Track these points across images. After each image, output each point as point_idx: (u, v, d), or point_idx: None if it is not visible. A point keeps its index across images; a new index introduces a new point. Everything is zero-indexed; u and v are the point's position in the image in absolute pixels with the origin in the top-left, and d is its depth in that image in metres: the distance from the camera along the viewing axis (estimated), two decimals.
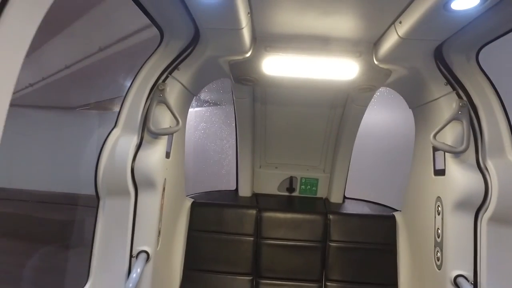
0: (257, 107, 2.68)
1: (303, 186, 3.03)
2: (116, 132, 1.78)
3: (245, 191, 2.98)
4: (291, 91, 2.53)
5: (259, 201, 2.89)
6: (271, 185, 3.05)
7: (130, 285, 1.66)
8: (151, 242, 1.87)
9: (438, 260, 1.89)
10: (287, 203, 2.97)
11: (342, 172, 2.87)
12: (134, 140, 1.78)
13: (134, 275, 1.69)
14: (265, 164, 3.06)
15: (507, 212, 1.66)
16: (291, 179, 3.02)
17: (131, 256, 1.79)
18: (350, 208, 2.88)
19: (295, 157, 3.01)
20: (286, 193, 3.05)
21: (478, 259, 1.71)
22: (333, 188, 2.92)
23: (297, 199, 3.02)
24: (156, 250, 1.92)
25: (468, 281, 1.71)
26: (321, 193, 3.03)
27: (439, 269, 1.86)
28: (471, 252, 1.73)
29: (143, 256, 1.81)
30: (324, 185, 3.02)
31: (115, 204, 1.77)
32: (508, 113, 1.72)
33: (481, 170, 1.74)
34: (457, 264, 1.76)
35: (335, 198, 2.94)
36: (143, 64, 1.82)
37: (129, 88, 1.80)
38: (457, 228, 1.78)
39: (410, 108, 2.29)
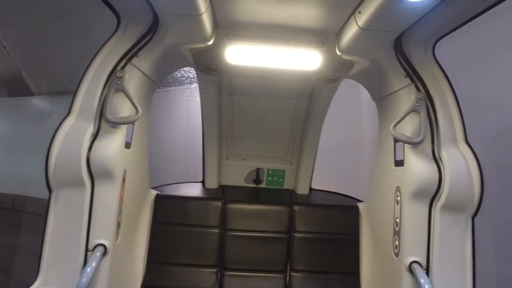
0: (223, 98, 2.64)
1: (269, 178, 3.04)
2: (69, 120, 1.69)
3: (211, 183, 2.94)
4: (257, 82, 2.51)
5: (226, 193, 2.87)
6: (238, 177, 3.03)
7: (84, 279, 1.59)
8: (109, 235, 1.80)
9: (396, 248, 1.95)
10: (254, 194, 2.97)
11: (309, 164, 2.89)
12: (90, 129, 1.70)
13: (88, 269, 1.62)
14: (231, 156, 3.04)
15: (456, 201, 1.74)
16: (257, 171, 3.01)
17: (86, 250, 1.72)
18: (316, 199, 2.92)
19: (262, 149, 3.01)
20: (253, 185, 3.04)
21: (431, 245, 1.78)
22: (299, 179, 2.95)
23: (263, 191, 3.02)
24: (115, 243, 1.85)
25: (421, 266, 1.78)
26: (287, 184, 3.05)
27: (397, 257, 1.93)
28: (425, 239, 1.80)
29: (99, 249, 1.74)
30: (291, 176, 3.03)
31: (69, 196, 1.69)
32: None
33: (436, 160, 1.80)
34: (413, 251, 1.83)
35: (302, 189, 2.97)
36: (99, 50, 1.74)
37: (83, 75, 1.71)
38: (413, 216, 1.84)
39: (373, 100, 2.33)
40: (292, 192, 3.02)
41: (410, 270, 1.80)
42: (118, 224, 1.89)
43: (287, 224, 2.56)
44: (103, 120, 1.76)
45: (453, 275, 1.76)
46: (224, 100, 2.67)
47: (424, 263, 1.80)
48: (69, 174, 1.66)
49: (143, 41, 1.78)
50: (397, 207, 1.95)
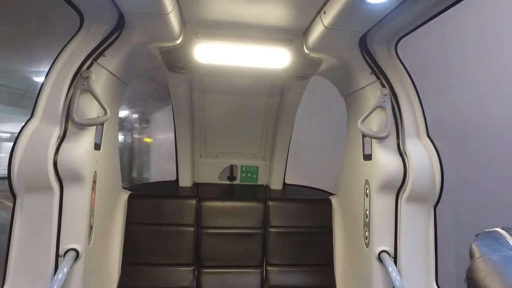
0: (195, 96, 2.63)
1: (243, 174, 3.06)
2: (33, 123, 1.63)
3: (185, 181, 2.93)
4: (228, 80, 2.52)
5: (200, 190, 2.87)
6: (212, 174, 3.04)
7: (55, 286, 1.55)
8: (81, 239, 1.76)
9: (366, 239, 2.04)
10: (228, 191, 2.98)
11: (282, 159, 2.94)
12: (56, 131, 1.64)
13: (60, 275, 1.58)
14: (205, 153, 3.03)
15: (420, 192, 1.84)
16: (231, 168, 3.03)
17: (57, 255, 1.67)
18: (290, 193, 2.98)
19: (235, 146, 3.02)
20: (227, 182, 3.06)
21: (398, 235, 1.87)
22: (273, 175, 2.99)
23: (238, 187, 3.04)
24: (87, 247, 1.81)
25: (390, 255, 1.88)
26: (261, 180, 3.09)
27: (367, 247, 2.02)
28: (393, 230, 1.90)
29: (71, 254, 1.70)
30: (265, 172, 3.07)
31: (36, 201, 1.63)
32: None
33: (401, 154, 1.90)
34: (381, 241, 1.92)
35: (275, 184, 3.01)
36: (62, 49, 1.68)
37: (46, 75, 1.65)
38: (381, 208, 1.93)
39: (341, 96, 2.40)
40: (266, 188, 3.06)
41: (380, 259, 1.90)
42: (91, 227, 1.85)
43: (262, 220, 2.60)
44: (70, 122, 1.71)
45: (419, 261, 1.86)
46: (195, 98, 2.65)
47: (392, 252, 1.90)
48: (35, 179, 1.60)
49: (109, 40, 1.74)
50: (367, 199, 2.03)
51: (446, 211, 2.39)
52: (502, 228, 0.84)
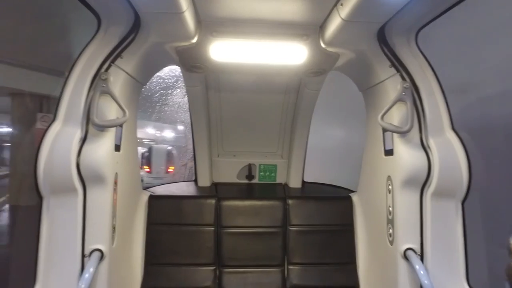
0: (211, 95, 2.63)
1: (262, 173, 3.05)
2: (56, 126, 1.67)
3: (204, 181, 2.94)
4: (244, 78, 2.51)
5: (219, 190, 2.87)
6: (230, 174, 3.03)
7: (83, 286, 1.58)
8: (105, 239, 1.79)
9: (390, 236, 1.98)
10: (247, 190, 2.97)
11: (300, 157, 2.91)
12: (78, 133, 1.68)
13: (86, 275, 1.61)
14: (223, 153, 3.03)
15: (446, 187, 1.77)
16: (249, 167, 3.02)
17: (83, 256, 1.71)
18: (309, 192, 2.94)
19: (253, 144, 3.01)
20: (246, 181, 3.05)
21: (424, 232, 1.81)
22: (291, 173, 2.96)
23: (256, 186, 3.03)
24: (111, 247, 1.84)
25: (416, 253, 1.82)
26: (280, 178, 3.06)
27: (391, 245, 1.96)
28: (418, 226, 1.83)
29: (96, 254, 1.73)
30: (283, 170, 3.04)
31: (61, 202, 1.67)
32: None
33: (425, 148, 1.83)
34: (406, 238, 1.86)
35: (294, 183, 2.98)
36: (80, 53, 1.71)
37: (66, 79, 1.68)
38: (405, 204, 1.87)
39: (360, 90, 2.35)
40: (285, 186, 3.03)
41: (405, 257, 1.84)
42: (113, 228, 1.88)
43: (282, 218, 2.57)
44: (90, 124, 1.74)
45: (447, 259, 1.79)
46: (212, 98, 2.66)
47: (418, 249, 1.83)
48: (59, 181, 1.64)
49: (126, 42, 1.76)
50: (389, 195, 1.97)
51: (476, 207, 2.29)
52: None
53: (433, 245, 1.78)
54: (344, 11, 1.52)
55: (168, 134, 22.35)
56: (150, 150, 17.56)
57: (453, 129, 1.81)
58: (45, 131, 1.63)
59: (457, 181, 1.77)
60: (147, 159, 16.76)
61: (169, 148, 16.55)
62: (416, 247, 1.83)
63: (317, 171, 3.28)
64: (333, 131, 5.05)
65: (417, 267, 1.72)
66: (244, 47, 1.92)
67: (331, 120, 4.71)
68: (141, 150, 18.90)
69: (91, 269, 1.63)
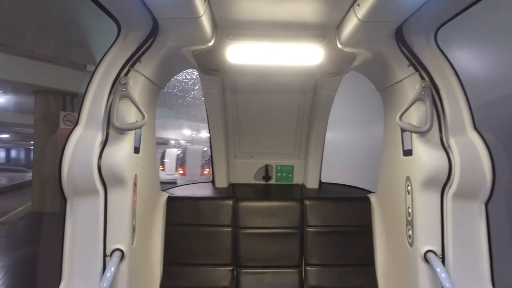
0: (227, 97, 2.65)
1: (279, 174, 3.05)
2: (78, 130, 1.72)
3: (221, 182, 2.97)
4: (261, 79, 2.52)
5: (236, 191, 2.89)
6: (247, 175, 3.05)
7: (105, 284, 1.63)
8: (125, 239, 1.84)
9: (409, 238, 1.95)
10: (264, 191, 2.98)
11: (317, 158, 2.89)
12: (99, 137, 1.73)
13: (108, 274, 1.66)
14: (239, 154, 3.05)
15: (468, 187, 1.72)
16: (266, 168, 3.03)
17: (104, 255, 1.76)
18: (326, 192, 2.92)
19: (269, 145, 3.02)
20: (263, 182, 3.06)
21: (445, 234, 1.77)
22: (308, 174, 2.95)
23: (273, 187, 3.04)
24: (131, 247, 1.89)
25: (436, 255, 1.77)
26: (297, 179, 3.06)
27: (411, 246, 1.92)
28: (439, 228, 1.79)
29: (117, 254, 1.78)
30: (300, 171, 3.04)
31: (84, 204, 1.72)
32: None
33: (445, 148, 1.79)
34: (427, 240, 1.82)
35: (311, 183, 2.97)
36: (102, 58, 1.76)
37: (88, 84, 1.73)
38: (425, 205, 1.83)
39: (377, 90, 2.31)
40: (302, 187, 3.02)
41: (426, 259, 1.80)
42: (133, 228, 1.92)
43: (299, 219, 2.57)
44: (111, 127, 1.79)
45: (470, 263, 1.74)
46: (228, 99, 2.68)
47: (439, 252, 1.79)
48: (82, 183, 1.69)
49: (145, 47, 1.80)
50: (408, 196, 1.94)
51: (501, 208, 2.21)
52: None
53: (455, 248, 1.73)
54: (361, 12, 1.51)
55: (205, 134, 22.10)
56: (184, 151, 17.00)
57: (475, 128, 1.76)
58: (68, 135, 1.69)
59: (480, 182, 1.71)
60: (181, 161, 16.18)
61: (206, 148, 15.78)
62: (437, 249, 1.79)
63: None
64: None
65: (438, 270, 1.68)
66: (260, 49, 1.93)
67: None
68: (176, 151, 18.31)
69: (112, 268, 1.68)
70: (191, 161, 15.27)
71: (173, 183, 10.19)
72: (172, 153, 18.09)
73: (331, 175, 3.18)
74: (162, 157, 17.76)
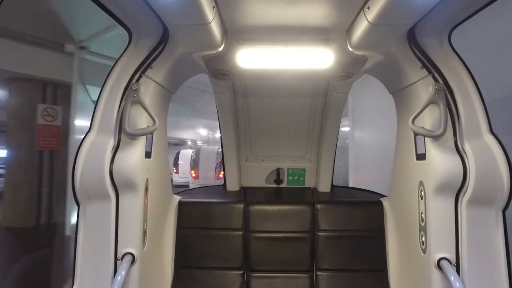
0: (239, 100, 2.66)
1: (290, 177, 3.03)
2: (91, 135, 1.76)
3: (232, 186, 2.97)
4: (272, 83, 2.51)
5: (247, 194, 2.89)
6: (259, 178, 3.04)
7: (116, 287, 1.66)
8: (136, 243, 1.86)
9: (423, 244, 1.90)
10: (275, 195, 2.97)
11: (329, 161, 2.87)
12: (111, 142, 1.76)
13: (118, 277, 1.68)
14: (251, 157, 3.05)
15: (484, 194, 1.67)
16: (278, 171, 3.01)
17: (116, 259, 1.79)
18: (338, 196, 2.89)
19: (281, 149, 3.00)
20: (274, 185, 3.05)
21: (459, 241, 1.72)
22: (320, 177, 2.92)
23: (285, 190, 3.02)
24: (142, 251, 1.91)
25: (451, 263, 1.73)
26: (309, 183, 3.03)
27: (424, 253, 1.88)
28: (453, 235, 1.74)
29: (128, 258, 1.80)
30: (312, 175, 3.01)
31: (96, 208, 1.76)
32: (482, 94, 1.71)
33: (460, 153, 1.74)
34: (440, 247, 1.77)
35: (323, 187, 2.94)
36: (114, 65, 1.79)
37: (101, 91, 1.77)
38: (439, 211, 1.79)
39: (390, 93, 2.28)
40: (314, 190, 3.00)
41: (439, 267, 1.75)
42: (144, 232, 1.95)
43: (310, 223, 2.55)
44: (123, 133, 1.82)
45: (485, 271, 1.69)
46: (240, 103, 2.69)
47: (453, 259, 1.74)
48: (94, 187, 1.73)
49: (156, 53, 1.82)
50: (422, 202, 1.90)
51: None
52: None
53: (470, 256, 1.68)
54: (371, 15, 1.49)
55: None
56: (197, 152, 15.19)
57: (492, 132, 1.71)
58: (82, 141, 1.73)
59: (497, 188, 1.66)
60: (194, 163, 14.59)
61: (221, 149, 14.30)
62: (451, 256, 1.74)
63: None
64: None
65: (452, 278, 1.63)
66: (270, 54, 1.93)
67: None
68: (191, 152, 16.71)
69: (123, 272, 1.70)
70: (204, 163, 13.86)
71: (186, 187, 9.74)
72: (186, 154, 17.20)
73: (361, 179, 3.11)
74: (176, 158, 16.97)
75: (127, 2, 1.51)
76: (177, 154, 17.46)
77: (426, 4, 1.37)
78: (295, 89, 2.60)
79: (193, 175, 14.24)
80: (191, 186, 12.79)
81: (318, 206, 2.58)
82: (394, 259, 2.39)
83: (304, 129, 2.88)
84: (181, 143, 25.22)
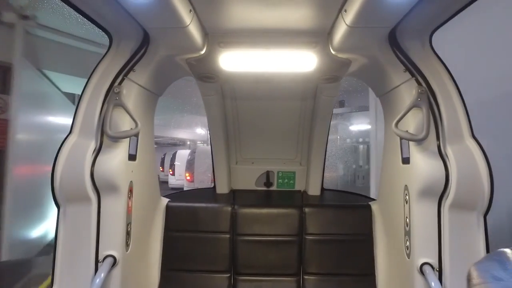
0: (227, 103, 2.65)
1: (280, 180, 3.02)
2: (72, 138, 1.76)
3: (222, 188, 2.96)
4: (259, 86, 2.50)
5: (237, 197, 2.88)
6: (249, 181, 3.03)
7: None
8: (118, 245, 1.86)
9: (407, 249, 1.89)
10: (265, 198, 2.96)
11: (319, 164, 2.85)
12: (92, 144, 1.76)
13: (97, 280, 1.68)
14: (241, 160, 3.04)
15: (465, 198, 1.65)
16: (268, 174, 3.00)
17: (97, 261, 1.78)
18: (327, 199, 2.87)
19: (271, 151, 2.99)
20: (264, 188, 3.03)
21: (442, 246, 1.70)
22: (310, 180, 2.91)
23: (274, 193, 3.00)
24: (125, 253, 1.91)
25: (433, 268, 1.71)
26: (299, 186, 3.02)
27: (409, 258, 1.86)
28: (436, 240, 1.73)
29: (109, 260, 1.80)
30: (302, 178, 3.00)
31: (76, 210, 1.76)
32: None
33: (442, 157, 1.72)
34: (423, 252, 1.76)
35: (313, 190, 2.92)
36: (95, 69, 1.79)
37: (82, 94, 1.77)
38: (422, 216, 1.77)
39: (377, 96, 2.26)
40: (303, 194, 2.98)
41: (421, 271, 1.74)
42: (128, 235, 1.94)
43: (298, 227, 2.53)
44: (105, 135, 1.82)
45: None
46: (228, 106, 2.68)
47: (436, 264, 1.72)
48: (74, 189, 1.73)
49: (137, 56, 1.82)
50: (406, 206, 1.88)
51: (502, 219, 2.11)
52: None
53: (452, 261, 1.66)
54: (348, 18, 1.48)
55: None
56: (193, 152, 14.07)
57: (473, 136, 1.69)
58: (62, 143, 1.73)
59: (478, 193, 1.64)
60: (189, 164, 13.57)
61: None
62: (434, 262, 1.72)
63: None
64: None
65: (432, 284, 1.61)
66: (253, 57, 1.92)
67: None
68: (187, 153, 15.72)
69: (102, 274, 1.70)
70: (201, 165, 12.48)
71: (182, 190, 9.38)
72: (183, 155, 16.27)
73: None
74: (173, 159, 16.10)
75: (104, 6, 1.51)
76: (174, 155, 16.44)
77: (403, 6, 1.36)
78: (284, 92, 2.59)
79: (188, 178, 12.99)
80: (186, 189, 11.69)
81: (306, 209, 2.56)
82: (381, 263, 2.37)
83: (294, 132, 2.87)
84: (180, 144, 24.33)
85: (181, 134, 20.70)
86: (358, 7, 1.35)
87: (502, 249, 0.72)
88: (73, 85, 6.49)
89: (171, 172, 15.68)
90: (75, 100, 7.46)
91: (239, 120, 2.81)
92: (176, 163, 15.98)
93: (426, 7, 1.44)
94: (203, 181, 12.08)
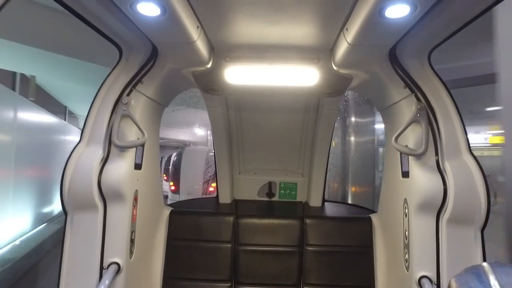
0: (231, 115, 2.71)
1: (282, 191, 3.06)
2: (81, 147, 1.82)
3: (224, 198, 3.00)
4: (263, 98, 2.57)
5: (239, 207, 2.92)
6: (251, 191, 3.07)
7: None
8: (122, 253, 1.90)
9: (406, 262, 1.91)
10: (267, 208, 2.99)
11: (320, 176, 2.89)
12: (100, 154, 1.81)
13: (102, 286, 1.72)
14: (244, 170, 3.09)
15: (463, 213, 1.68)
16: (270, 185, 3.04)
17: (101, 268, 1.82)
18: (329, 211, 2.90)
19: (273, 162, 3.04)
20: (266, 199, 3.07)
21: (440, 260, 1.73)
22: (312, 192, 2.94)
23: (276, 204, 3.04)
24: (128, 260, 1.94)
25: (431, 282, 1.73)
26: (300, 197, 3.05)
27: (407, 271, 1.88)
28: (434, 253, 1.75)
29: (113, 267, 1.84)
30: (303, 189, 3.03)
31: (83, 218, 1.80)
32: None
33: (441, 172, 1.76)
34: (422, 265, 1.78)
35: (314, 201, 2.96)
36: (104, 80, 1.86)
37: (92, 104, 1.84)
38: (420, 229, 1.80)
39: (378, 110, 2.31)
40: (305, 205, 3.01)
41: (420, 285, 1.76)
42: (132, 242, 1.98)
43: (299, 238, 2.56)
44: (112, 145, 1.88)
45: None
46: (232, 117, 2.74)
47: (434, 278, 1.75)
48: (82, 197, 1.78)
49: (145, 69, 1.89)
50: (406, 219, 1.91)
51: (499, 235, 2.12)
52: (489, 264, 0.75)
53: (450, 274, 1.68)
54: (349, 36, 1.54)
55: None
56: (179, 154, 10.37)
57: (471, 152, 1.73)
58: (71, 152, 1.79)
59: (475, 208, 1.67)
60: (174, 169, 10.07)
61: (212, 153, 7.25)
62: (432, 275, 1.75)
63: None
64: None
65: None
66: (257, 71, 1.99)
67: None
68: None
69: (107, 281, 1.73)
70: (189, 171, 9.35)
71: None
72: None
73: None
74: (167, 163, 12.69)
75: (115, 22, 1.58)
76: (169, 158, 13.35)
77: (402, 26, 1.41)
78: (287, 105, 2.64)
79: (172, 187, 9.79)
80: (169, 201, 7.63)
81: (307, 220, 2.59)
82: (381, 276, 2.38)
83: (296, 144, 2.92)
84: (182, 147, 22.66)
85: (181, 135, 18.63)
86: (359, 26, 1.41)
87: (480, 264, 0.77)
88: None
89: (165, 178, 12.17)
90: (16, 80, 6.62)
91: (243, 131, 2.86)
92: (170, 167, 11.90)
93: (425, 27, 1.50)
94: (192, 193, 9.04)
